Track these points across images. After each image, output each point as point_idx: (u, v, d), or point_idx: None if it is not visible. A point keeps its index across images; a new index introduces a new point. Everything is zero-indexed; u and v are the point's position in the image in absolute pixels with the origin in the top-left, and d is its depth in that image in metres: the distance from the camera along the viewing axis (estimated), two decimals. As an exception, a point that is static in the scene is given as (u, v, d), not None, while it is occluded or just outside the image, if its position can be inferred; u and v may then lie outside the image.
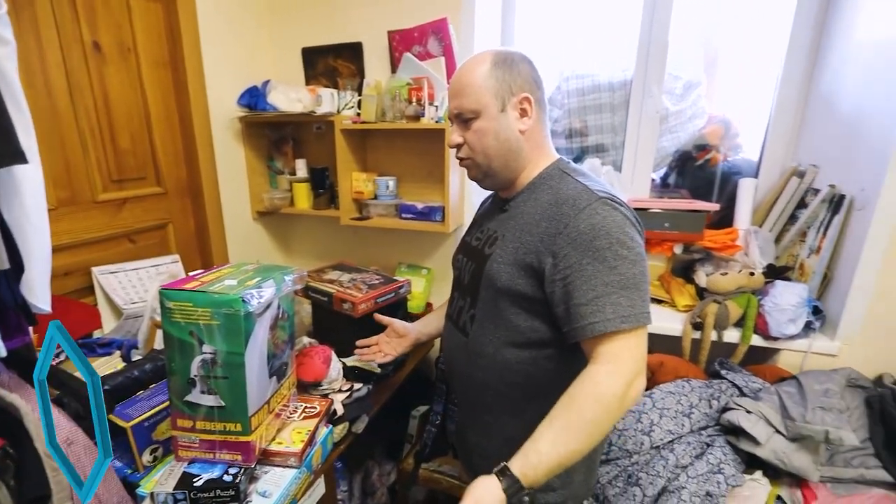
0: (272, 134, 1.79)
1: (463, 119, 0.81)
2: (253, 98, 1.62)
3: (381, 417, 1.24)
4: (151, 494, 0.75)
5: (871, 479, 1.04)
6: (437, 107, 1.44)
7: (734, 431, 1.14)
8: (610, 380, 0.66)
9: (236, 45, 1.64)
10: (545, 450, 0.65)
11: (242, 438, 0.77)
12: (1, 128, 0.59)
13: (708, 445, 1.13)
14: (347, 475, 1.50)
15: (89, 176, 1.27)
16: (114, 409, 0.92)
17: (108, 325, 1.30)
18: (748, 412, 1.12)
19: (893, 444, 1.05)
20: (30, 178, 0.67)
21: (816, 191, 1.40)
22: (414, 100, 1.46)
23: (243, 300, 0.72)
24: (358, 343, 1.16)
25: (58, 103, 1.18)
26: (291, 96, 1.57)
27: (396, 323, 1.12)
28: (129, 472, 0.93)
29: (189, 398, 0.77)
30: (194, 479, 0.76)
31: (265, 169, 1.81)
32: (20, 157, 0.61)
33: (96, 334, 1.26)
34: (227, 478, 0.77)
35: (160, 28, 1.42)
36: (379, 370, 1.20)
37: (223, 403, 0.76)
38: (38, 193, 0.69)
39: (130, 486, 0.89)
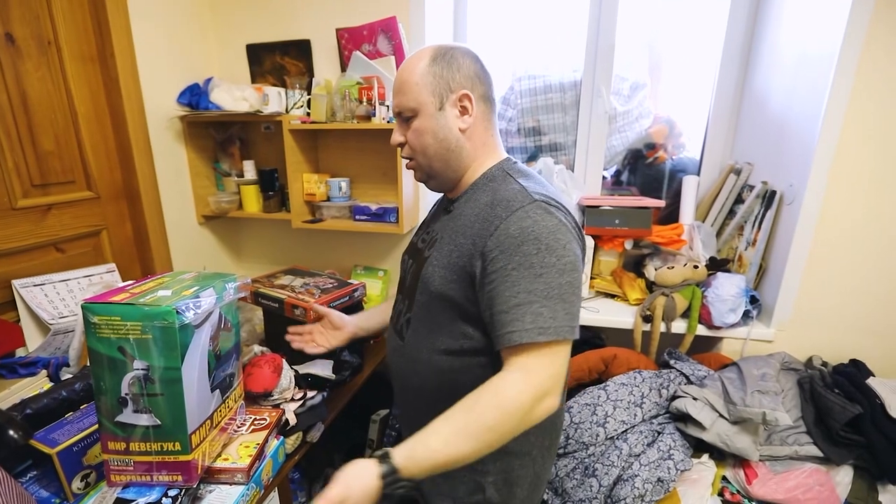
0: (217, 134, 1.70)
1: (404, 118, 0.78)
2: (194, 96, 1.54)
3: (341, 423, 1.21)
4: (79, 527, 0.69)
5: (805, 454, 1.12)
6: (387, 106, 1.42)
7: (682, 418, 1.19)
8: (517, 391, 0.62)
9: (174, 40, 1.55)
10: (435, 447, 0.62)
11: (182, 458, 0.73)
12: None
13: (659, 433, 1.17)
14: (306, 485, 1.45)
15: (6, 180, 1.16)
16: (36, 435, 0.85)
17: (34, 343, 1.19)
18: (694, 399, 1.17)
19: (822, 421, 1.13)
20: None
21: (752, 187, 1.49)
22: (364, 99, 1.43)
23: (177, 311, 0.67)
24: (290, 329, 1.09)
25: (-35, 101, 1.07)
26: (236, 95, 1.50)
27: (333, 314, 1.07)
28: (57, 501, 0.85)
29: (120, 419, 0.71)
30: (128, 506, 0.71)
31: (210, 171, 1.73)
32: None
33: (20, 353, 1.15)
34: (165, 501, 0.72)
35: (86, 19, 1.31)
36: (333, 376, 1.16)
37: (159, 422, 0.71)
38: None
39: (59, 518, 0.82)
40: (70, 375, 1.06)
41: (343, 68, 1.55)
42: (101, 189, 1.41)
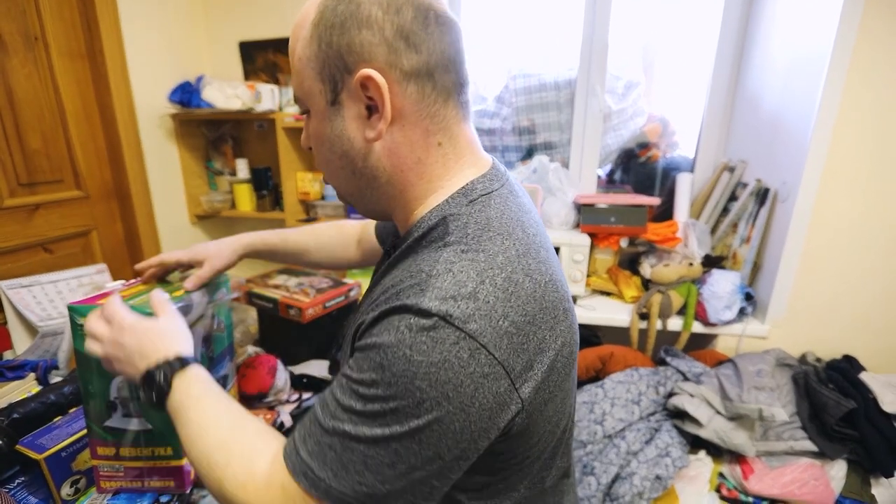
0: (209, 132, 1.68)
1: (307, 114, 0.52)
2: (186, 94, 1.52)
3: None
4: (69, 534, 0.68)
5: (800, 449, 1.12)
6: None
7: (679, 415, 1.19)
8: (250, 476, 0.46)
9: (165, 37, 1.52)
10: (195, 411, 0.51)
11: (174, 463, 0.71)
12: None
13: (656, 430, 1.17)
14: (301, 488, 1.44)
15: (-9, 179, 1.14)
16: (23, 440, 0.83)
17: (23, 346, 1.17)
18: (691, 396, 1.17)
19: (817, 416, 1.14)
20: None
21: (745, 184, 1.50)
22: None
23: (169, 312, 0.66)
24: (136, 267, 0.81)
25: (-52, 97, 1.04)
26: (228, 92, 1.48)
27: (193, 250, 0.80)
28: (46, 508, 0.84)
29: (109, 423, 0.69)
30: (119, 513, 0.69)
31: (203, 170, 1.70)
32: None
33: (7, 356, 1.13)
34: (158, 506, 0.71)
35: (73, 15, 1.29)
36: (330, 377, 1.15)
37: (150, 426, 0.69)
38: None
39: (48, 525, 0.80)
40: (59, 378, 1.04)
41: (336, 66, 1.54)
42: (91, 188, 1.38)
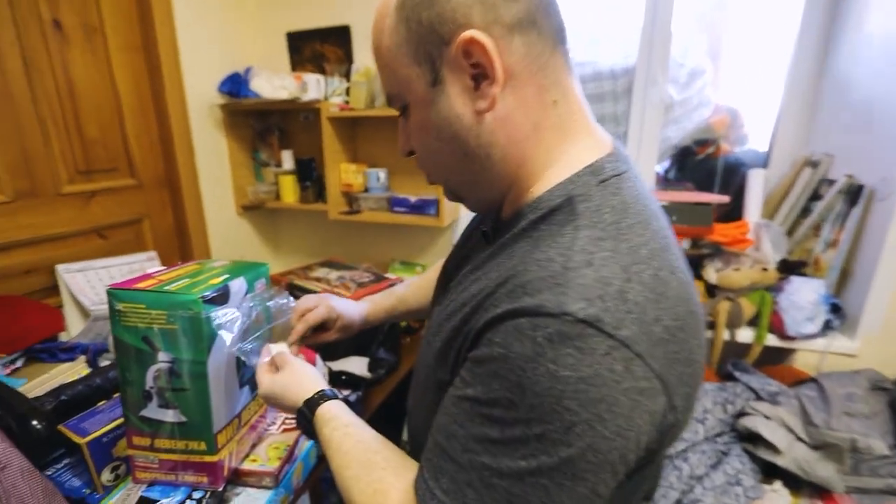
0: (257, 124, 1.69)
1: (403, 113, 0.48)
2: (235, 85, 1.52)
3: (374, 422, 1.15)
4: (102, 526, 0.66)
5: (900, 489, 0.97)
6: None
7: (751, 438, 1.06)
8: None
9: (216, 29, 1.54)
10: (337, 440, 0.51)
11: (207, 458, 0.68)
12: None
13: (724, 454, 1.05)
14: (337, 486, 1.41)
15: (52, 166, 1.17)
16: (69, 423, 0.83)
17: (76, 328, 1.20)
18: (766, 418, 1.04)
19: (923, 451, 0.98)
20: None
21: (831, 181, 1.33)
22: (405, 85, 1.37)
23: (204, 301, 0.62)
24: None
25: (12, 86, 1.08)
26: (275, 83, 1.48)
27: (330, 303, 0.80)
28: (87, 492, 0.83)
29: (145, 413, 0.67)
30: (151, 507, 0.67)
31: (250, 161, 1.72)
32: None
33: (62, 337, 1.16)
34: (190, 503, 0.68)
35: (130, 8, 1.31)
36: (369, 375, 1.11)
37: (184, 419, 0.67)
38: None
39: (89, 509, 0.80)
40: (108, 362, 1.06)
41: (383, 54, 1.50)
42: (144, 177, 1.41)
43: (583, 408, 0.31)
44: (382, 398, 1.22)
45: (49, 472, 0.90)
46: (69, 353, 1.06)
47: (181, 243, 1.56)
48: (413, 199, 1.47)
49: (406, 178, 1.60)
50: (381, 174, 1.53)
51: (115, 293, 0.63)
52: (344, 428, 0.53)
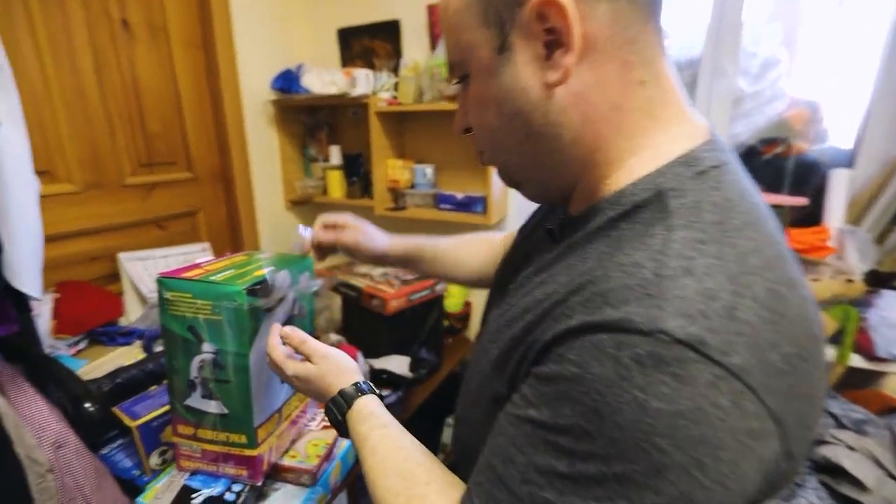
0: (307, 120, 1.72)
1: (462, 85, 0.42)
2: (287, 81, 1.55)
3: (412, 423, 1.13)
4: (147, 508, 0.67)
5: None
6: (479, 86, 1.31)
7: (830, 470, 0.94)
8: None
9: (270, 27, 1.57)
10: (373, 438, 0.47)
11: (247, 452, 0.68)
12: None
13: (798, 486, 0.94)
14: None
15: (117, 159, 1.23)
16: (122, 405, 0.86)
17: (135, 314, 1.25)
18: (850, 449, 0.92)
19: None
20: (10, 142, 0.59)
21: (935, 183, 1.16)
22: (454, 79, 1.33)
23: (248, 292, 0.62)
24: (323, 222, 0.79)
25: (84, 83, 1.14)
26: (325, 79, 1.49)
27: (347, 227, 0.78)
28: (137, 473, 0.86)
29: (189, 402, 0.68)
30: (192, 496, 0.67)
31: (299, 156, 1.75)
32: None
33: (122, 322, 1.22)
34: (229, 496, 0.68)
35: (192, 7, 1.36)
36: (410, 375, 1.08)
37: (226, 411, 0.66)
38: (21, 162, 0.61)
39: (137, 490, 0.82)
40: (161, 349, 1.10)
41: (433, 47, 1.47)
42: (200, 171, 1.46)
43: (678, 448, 0.25)
44: (422, 400, 1.20)
45: (104, 452, 0.93)
46: (126, 337, 1.11)
47: (232, 236, 1.60)
48: (460, 195, 1.43)
49: (453, 175, 1.57)
50: (428, 170, 1.51)
51: (164, 282, 0.64)
52: (382, 428, 0.48)
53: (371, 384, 0.55)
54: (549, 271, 0.38)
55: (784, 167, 1.52)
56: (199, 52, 1.40)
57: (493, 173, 1.33)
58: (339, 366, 0.56)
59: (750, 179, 0.37)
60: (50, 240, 1.11)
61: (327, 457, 0.79)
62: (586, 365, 0.28)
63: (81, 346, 1.06)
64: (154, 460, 0.84)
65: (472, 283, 0.80)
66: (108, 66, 1.18)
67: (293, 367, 0.57)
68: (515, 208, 1.51)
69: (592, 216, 0.37)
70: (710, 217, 0.31)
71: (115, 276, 1.24)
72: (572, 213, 0.42)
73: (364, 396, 0.52)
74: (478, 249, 0.79)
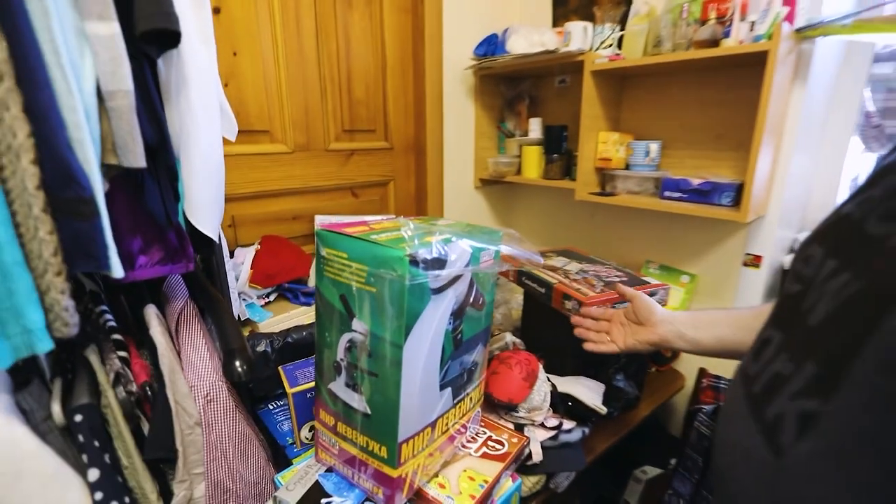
0: (507, 91, 1.55)
1: None
2: (490, 46, 1.40)
3: (590, 467, 0.85)
4: (275, 498, 0.57)
5: None
6: (753, 22, 0.91)
7: None
8: None
9: (480, -12, 1.44)
10: None
11: (387, 470, 0.51)
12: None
13: None
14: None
15: (325, 123, 1.25)
16: (286, 367, 0.81)
17: (323, 276, 1.28)
18: None
19: None
20: (198, 65, 0.53)
21: None
22: (713, 16, 0.96)
23: (412, 260, 0.44)
24: (583, 312, 0.79)
25: (305, 46, 1.17)
26: (534, 39, 1.27)
27: (641, 299, 0.72)
28: (290, 441, 0.81)
29: (332, 387, 0.55)
30: (321, 501, 0.54)
31: (494, 131, 1.59)
32: (167, 20, 0.46)
33: (309, 283, 1.25)
34: (361, 518, 0.53)
35: (407, -31, 1.31)
36: (604, 410, 0.80)
37: (369, 411, 0.51)
38: (207, 87, 0.56)
39: (286, 461, 0.76)
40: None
41: (680, -17, 1.11)
42: (395, 141, 1.43)
43: None
44: (614, 441, 0.90)
45: (270, 408, 0.92)
46: (308, 297, 1.11)
47: (418, 211, 1.55)
48: (695, 181, 1.05)
49: (685, 155, 1.18)
50: (654, 147, 1.16)
51: (322, 235, 0.52)
52: None
53: None
54: None
55: None
56: (406, 17, 1.35)
57: (760, 153, 0.92)
58: None
59: None
60: (260, 196, 1.20)
61: (484, 500, 0.58)
62: None
63: (270, 298, 1.09)
64: (304, 434, 0.77)
65: None
66: (326, 30, 1.20)
67: None
68: (782, 207, 1.05)
69: None
70: None
71: (310, 236, 1.28)
72: None
73: None
74: None
